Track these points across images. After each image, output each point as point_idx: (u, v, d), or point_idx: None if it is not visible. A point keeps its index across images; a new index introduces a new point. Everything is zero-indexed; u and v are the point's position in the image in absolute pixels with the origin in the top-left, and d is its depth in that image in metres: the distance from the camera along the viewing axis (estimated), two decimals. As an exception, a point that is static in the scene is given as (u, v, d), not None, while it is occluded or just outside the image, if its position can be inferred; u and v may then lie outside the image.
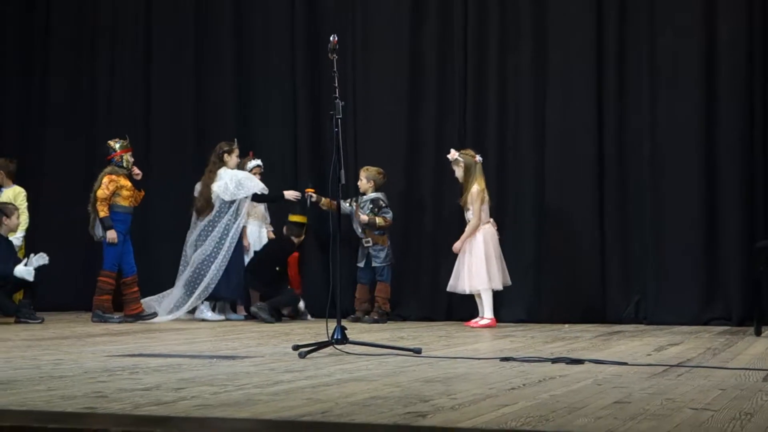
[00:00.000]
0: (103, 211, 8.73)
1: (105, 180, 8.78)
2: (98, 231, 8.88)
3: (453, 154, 8.49)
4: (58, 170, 10.78)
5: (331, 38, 5.60)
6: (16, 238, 9.14)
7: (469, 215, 8.39)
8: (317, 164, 9.80)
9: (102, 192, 8.74)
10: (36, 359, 4.97)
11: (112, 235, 8.74)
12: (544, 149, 9.12)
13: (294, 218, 9.35)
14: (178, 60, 10.60)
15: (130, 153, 9.03)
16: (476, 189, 8.32)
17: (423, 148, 9.60)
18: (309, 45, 9.97)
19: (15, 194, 9.39)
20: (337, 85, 5.56)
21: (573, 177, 9.02)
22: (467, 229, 8.36)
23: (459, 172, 8.48)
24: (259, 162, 9.47)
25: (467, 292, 8.37)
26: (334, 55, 5.57)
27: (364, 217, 9.03)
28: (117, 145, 8.95)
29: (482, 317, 8.28)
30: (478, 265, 8.26)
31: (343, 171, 5.43)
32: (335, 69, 5.56)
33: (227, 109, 10.34)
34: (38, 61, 11.16)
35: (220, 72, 10.40)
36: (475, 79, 9.43)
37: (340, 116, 5.56)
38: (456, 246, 8.37)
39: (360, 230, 9.15)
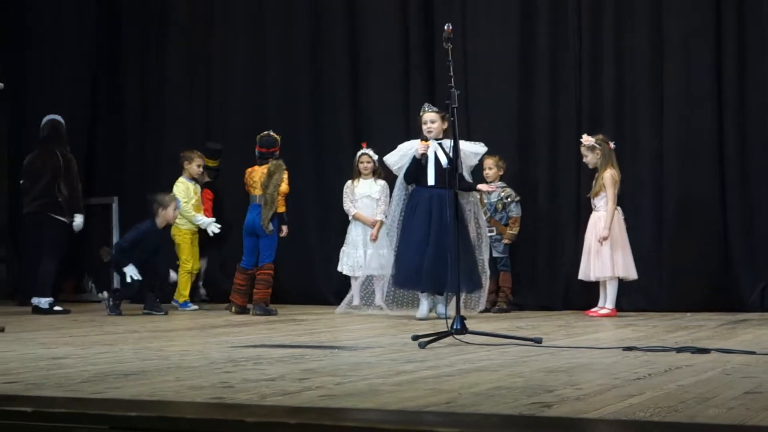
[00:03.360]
0: (283, 207, 8.80)
1: (285, 176, 8.78)
2: (271, 225, 8.73)
3: (588, 140, 8.29)
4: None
5: (446, 27, 5.59)
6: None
7: (600, 202, 8.20)
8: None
9: (285, 188, 8.76)
10: (163, 350, 5.10)
11: (286, 229, 8.87)
12: (663, 132, 8.93)
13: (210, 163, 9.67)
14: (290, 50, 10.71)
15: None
16: (611, 174, 8.13)
17: (537, 135, 9.50)
18: (423, 31, 9.95)
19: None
20: (452, 74, 5.54)
21: (692, 160, 8.82)
22: (607, 216, 8.09)
23: (592, 158, 8.29)
24: (366, 151, 9.42)
25: (592, 279, 8.22)
26: (449, 44, 5.55)
27: (507, 241, 9.07)
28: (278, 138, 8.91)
29: (603, 306, 8.16)
30: (606, 252, 8.09)
31: (460, 160, 5.42)
32: (450, 58, 5.53)
33: (341, 99, 10.39)
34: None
35: (333, 61, 10.45)
36: (589, 62, 9.29)
37: (456, 105, 5.54)
38: (603, 234, 8.08)
39: (485, 218, 9.10)
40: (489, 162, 9.09)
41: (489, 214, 9.04)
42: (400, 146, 8.11)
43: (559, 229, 9.32)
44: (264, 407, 2.93)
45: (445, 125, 7.79)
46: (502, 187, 9.10)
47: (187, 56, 11.23)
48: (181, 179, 9.40)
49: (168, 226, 9.02)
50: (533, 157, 9.51)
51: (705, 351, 4.71)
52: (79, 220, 8.91)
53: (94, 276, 10.83)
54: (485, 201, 9.06)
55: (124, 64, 11.52)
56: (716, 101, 8.79)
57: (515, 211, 9.07)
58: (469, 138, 9.39)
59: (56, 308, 8.74)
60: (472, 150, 8.03)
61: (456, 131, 5.68)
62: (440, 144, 7.81)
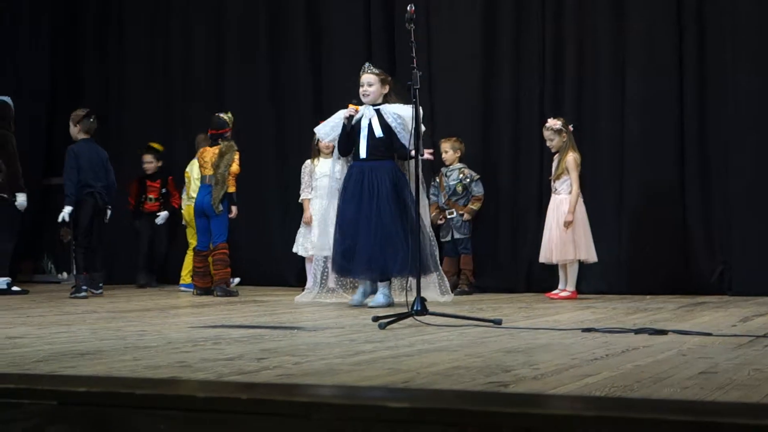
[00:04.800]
0: (233, 187, 8.77)
1: (236, 156, 8.73)
2: (221, 205, 8.76)
3: (555, 123, 8.25)
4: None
5: (408, 8, 5.57)
6: None
7: (561, 185, 8.20)
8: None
9: (236, 168, 8.74)
10: (121, 330, 5.06)
11: (235, 210, 8.84)
12: (624, 119, 8.97)
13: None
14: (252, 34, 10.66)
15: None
16: (574, 157, 8.16)
17: (499, 117, 9.51)
18: (384, 13, 9.93)
19: None
20: (414, 55, 5.53)
21: (653, 146, 8.86)
22: (572, 199, 8.10)
23: (557, 142, 8.25)
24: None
25: (554, 262, 8.24)
26: (411, 25, 5.54)
27: (467, 216, 9.03)
28: (231, 119, 8.88)
29: (564, 289, 8.21)
30: (567, 235, 8.10)
31: (421, 142, 5.41)
32: (413, 39, 5.52)
33: (302, 82, 10.35)
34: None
35: (294, 41, 10.40)
36: (553, 45, 9.31)
37: (418, 86, 5.53)
38: (567, 219, 8.06)
39: (443, 201, 9.10)
40: (446, 145, 9.11)
41: (447, 197, 9.06)
42: (333, 116, 7.49)
43: (520, 212, 9.34)
44: (216, 383, 2.91)
45: (386, 89, 7.21)
46: (460, 168, 9.11)
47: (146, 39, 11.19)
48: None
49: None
50: (495, 139, 9.51)
51: (662, 332, 4.75)
52: (20, 198, 8.77)
53: (53, 257, 10.72)
54: (444, 184, 9.07)
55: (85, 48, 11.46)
56: (678, 89, 8.83)
57: (476, 190, 9.09)
58: (432, 120, 9.41)
59: (14, 288, 8.66)
60: (410, 114, 6.80)
61: (419, 114, 5.65)
62: (378, 110, 7.19)
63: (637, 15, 8.99)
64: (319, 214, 9.15)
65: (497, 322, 5.25)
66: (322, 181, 9.14)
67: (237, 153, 8.72)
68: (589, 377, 3.20)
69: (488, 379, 3.15)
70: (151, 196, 10.21)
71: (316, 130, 7.74)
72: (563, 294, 8.15)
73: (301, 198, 9.18)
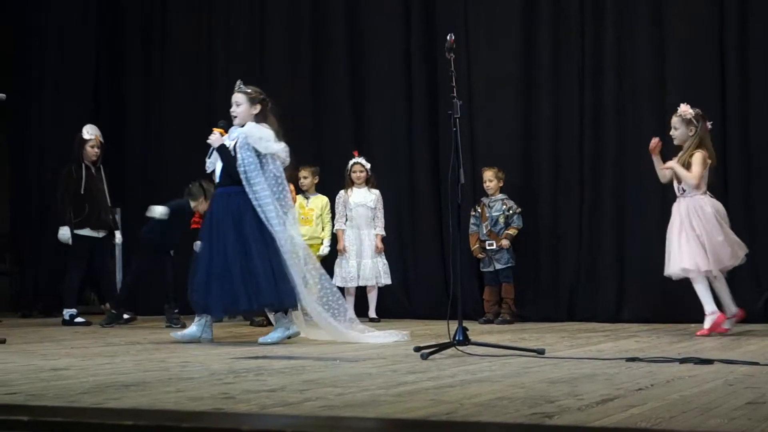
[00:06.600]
0: None
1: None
2: None
3: (686, 110, 6.96)
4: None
5: (448, 37, 5.58)
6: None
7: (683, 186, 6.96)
8: (433, 163, 9.81)
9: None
10: (164, 362, 5.08)
11: None
12: (664, 138, 8.90)
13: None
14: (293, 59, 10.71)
15: None
16: (703, 154, 6.93)
17: (540, 145, 9.48)
18: (426, 41, 9.96)
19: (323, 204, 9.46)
20: (454, 84, 5.53)
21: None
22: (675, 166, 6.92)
23: (680, 133, 7.00)
24: (358, 160, 9.40)
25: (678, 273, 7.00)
26: (451, 54, 5.55)
27: (506, 242, 8.95)
28: None
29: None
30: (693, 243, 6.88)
31: (462, 170, 5.40)
32: (452, 68, 5.53)
33: (343, 107, 10.38)
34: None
35: (335, 70, 10.44)
36: (592, 72, 9.27)
37: (458, 115, 5.53)
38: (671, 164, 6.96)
39: (484, 231, 9.06)
40: (489, 174, 9.09)
41: (489, 228, 9.03)
42: None
43: (561, 239, 9.29)
44: (261, 415, 2.92)
45: (256, 109, 6.61)
46: (503, 200, 9.08)
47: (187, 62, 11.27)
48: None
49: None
50: (536, 167, 9.49)
51: (708, 362, 4.69)
52: (60, 232, 8.91)
53: (95, 287, 10.80)
54: (486, 215, 9.05)
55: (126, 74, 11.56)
56: (720, 112, 8.75)
57: (517, 222, 9.05)
58: (472, 150, 9.42)
59: (78, 319, 8.87)
60: (259, 134, 6.57)
61: (458, 141, 5.63)
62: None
63: (677, 33, 8.93)
64: (357, 243, 9.23)
65: (540, 352, 5.22)
66: (357, 211, 9.22)
67: None
68: (634, 408, 3.17)
69: (532, 410, 3.13)
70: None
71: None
72: (705, 326, 6.86)
73: (335, 228, 9.25)
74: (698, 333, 6.84)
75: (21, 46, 11.39)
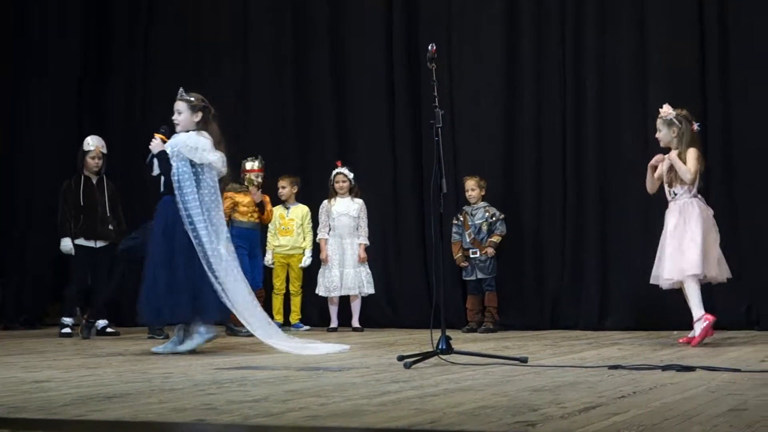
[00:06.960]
0: None
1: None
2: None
3: (667, 112, 6.83)
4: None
5: (430, 47, 5.59)
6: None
7: (681, 188, 6.79)
8: (417, 173, 9.82)
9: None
10: (146, 373, 5.06)
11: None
12: (648, 145, 8.91)
13: None
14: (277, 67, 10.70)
15: (256, 173, 8.84)
16: (696, 153, 6.76)
17: (522, 153, 9.50)
18: (407, 50, 9.98)
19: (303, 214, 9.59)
20: (436, 93, 5.55)
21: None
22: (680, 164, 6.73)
23: (664, 135, 6.87)
24: (341, 170, 9.42)
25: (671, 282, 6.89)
26: (433, 64, 5.57)
27: (491, 250, 8.97)
28: (246, 165, 8.89)
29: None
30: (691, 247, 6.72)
31: (444, 180, 5.41)
32: (434, 78, 5.55)
33: (327, 118, 10.38)
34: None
35: (318, 80, 10.43)
36: (574, 80, 9.30)
37: (440, 125, 5.55)
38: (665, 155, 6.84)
39: (467, 240, 9.08)
40: (471, 183, 9.12)
41: (473, 236, 9.05)
42: None
43: (544, 248, 9.31)
44: (244, 426, 2.91)
45: (197, 117, 6.55)
46: (485, 207, 9.10)
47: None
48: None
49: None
50: (518, 175, 9.51)
51: (690, 369, 4.71)
52: (62, 243, 8.94)
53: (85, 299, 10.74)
54: (469, 223, 9.07)
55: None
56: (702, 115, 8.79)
57: (501, 229, 9.07)
58: (455, 160, 9.44)
59: (108, 330, 8.95)
60: (193, 144, 6.50)
61: (441, 151, 5.63)
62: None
63: (657, 36, 8.97)
64: (339, 252, 9.26)
65: (523, 360, 5.23)
66: (339, 220, 9.25)
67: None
68: (616, 415, 3.18)
69: (515, 418, 3.13)
70: None
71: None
72: (696, 334, 6.60)
73: (318, 237, 9.31)
74: (692, 343, 6.58)
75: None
